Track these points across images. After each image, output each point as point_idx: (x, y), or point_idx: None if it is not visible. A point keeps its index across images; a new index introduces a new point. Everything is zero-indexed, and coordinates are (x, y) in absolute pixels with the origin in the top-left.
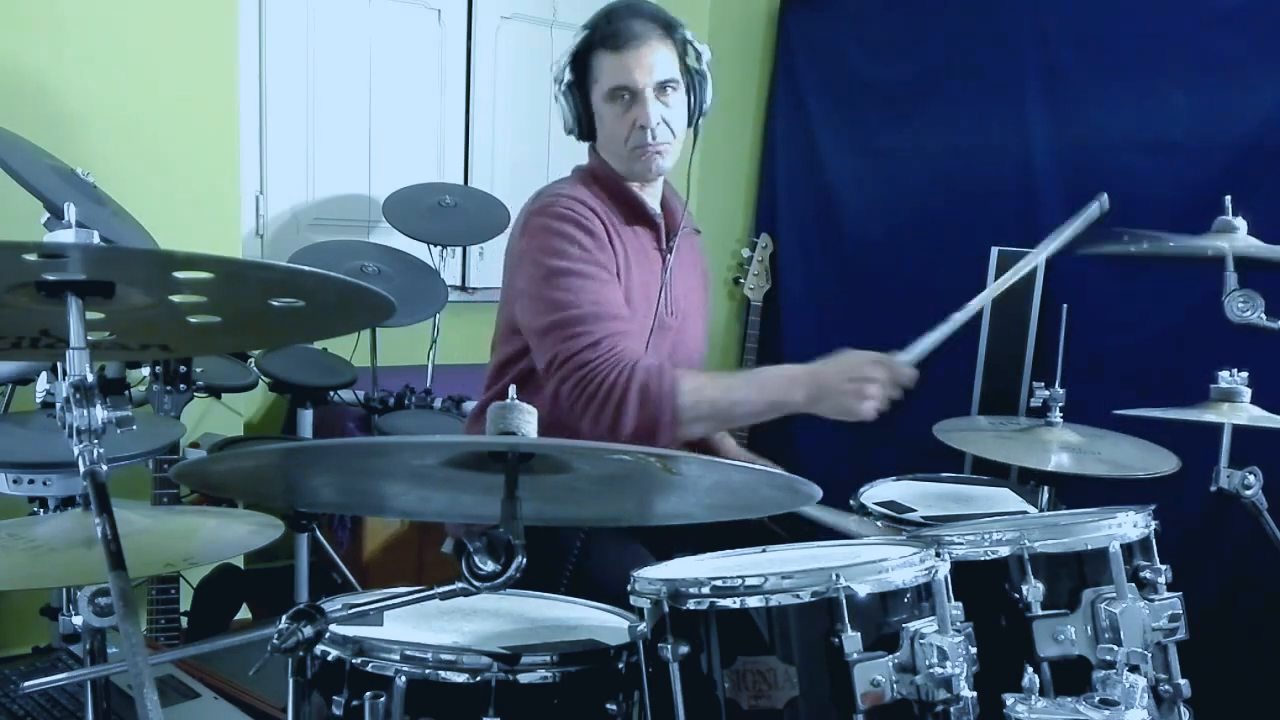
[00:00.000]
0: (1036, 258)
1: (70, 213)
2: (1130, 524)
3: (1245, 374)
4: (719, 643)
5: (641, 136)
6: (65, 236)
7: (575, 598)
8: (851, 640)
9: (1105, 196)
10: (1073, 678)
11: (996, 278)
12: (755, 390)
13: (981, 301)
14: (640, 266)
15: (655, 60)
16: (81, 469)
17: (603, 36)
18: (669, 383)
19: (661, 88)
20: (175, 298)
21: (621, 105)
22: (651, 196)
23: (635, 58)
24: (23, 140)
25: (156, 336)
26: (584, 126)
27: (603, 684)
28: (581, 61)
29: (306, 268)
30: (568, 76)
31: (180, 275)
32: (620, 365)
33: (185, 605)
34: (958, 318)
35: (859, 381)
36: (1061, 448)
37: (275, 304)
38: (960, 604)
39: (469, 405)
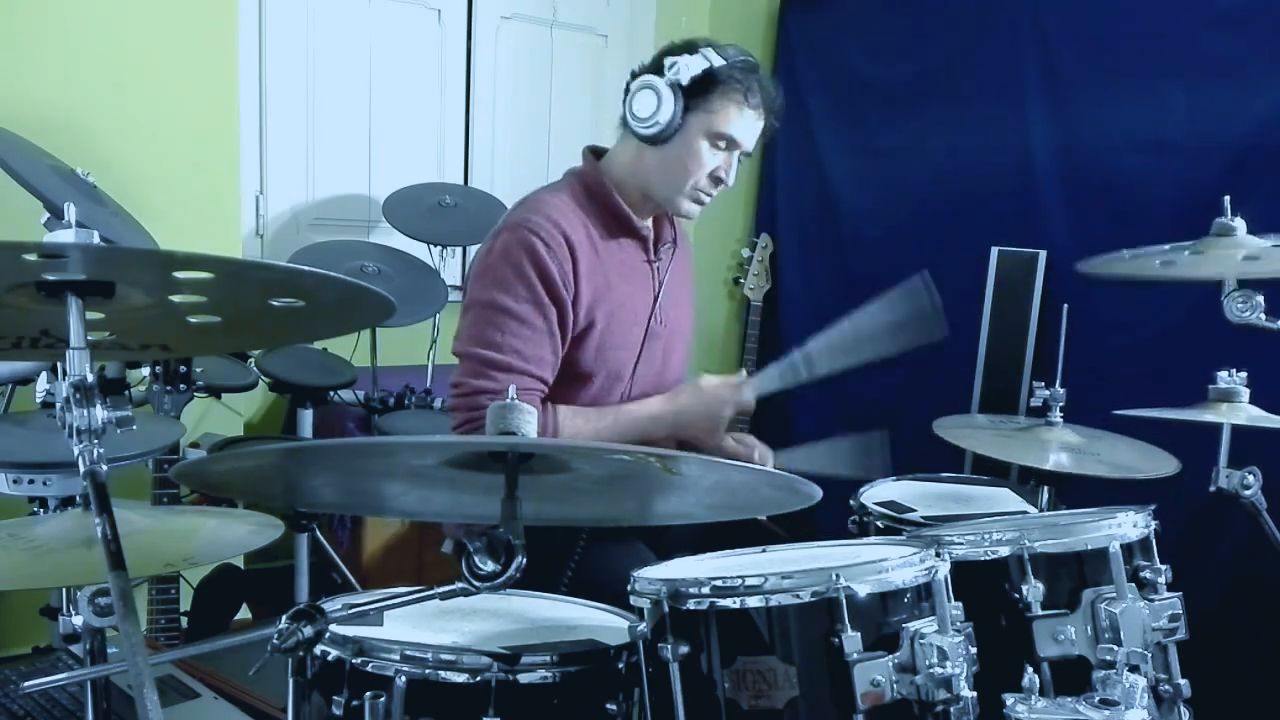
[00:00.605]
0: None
1: (70, 213)
2: (1130, 524)
3: (1244, 374)
4: (719, 643)
5: (709, 186)
6: (65, 236)
7: (576, 598)
8: (851, 640)
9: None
10: (1073, 678)
11: (996, 278)
12: (622, 431)
13: (829, 341)
14: (626, 279)
15: (758, 133)
16: (81, 469)
17: (740, 82)
18: (550, 433)
19: (745, 154)
20: (175, 298)
21: (715, 150)
22: (641, 212)
23: (754, 122)
24: (23, 140)
25: (156, 336)
26: (665, 132)
27: (603, 684)
28: (708, 83)
29: (306, 268)
30: (688, 82)
31: (180, 275)
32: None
33: (185, 605)
34: (797, 356)
35: (713, 418)
36: (1061, 447)
37: (275, 304)
38: (960, 604)
39: None
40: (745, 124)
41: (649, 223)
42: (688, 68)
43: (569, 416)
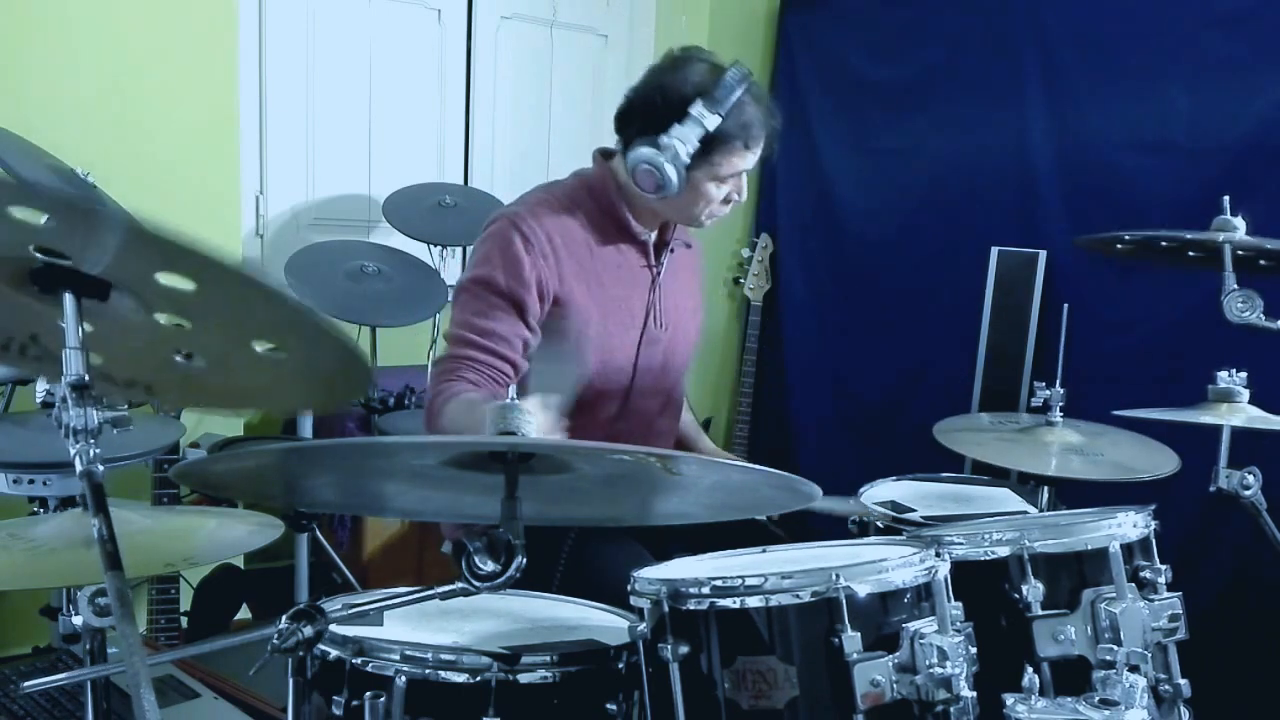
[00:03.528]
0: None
1: None
2: (1130, 524)
3: (1244, 374)
4: (719, 643)
5: (723, 209)
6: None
7: (571, 597)
8: (851, 640)
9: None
10: (1073, 678)
11: (996, 277)
12: (471, 424)
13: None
14: (622, 281)
15: (761, 151)
16: (78, 469)
17: (739, 136)
18: (438, 409)
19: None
20: (160, 317)
21: (726, 186)
22: (645, 219)
23: (756, 153)
24: (23, 140)
25: (143, 373)
26: (678, 188)
27: (603, 684)
28: (707, 146)
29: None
30: (687, 158)
31: (165, 276)
32: (445, 391)
33: (185, 605)
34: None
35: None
36: (1062, 447)
37: (259, 349)
38: (960, 604)
39: None
40: (747, 161)
41: (651, 227)
42: (684, 143)
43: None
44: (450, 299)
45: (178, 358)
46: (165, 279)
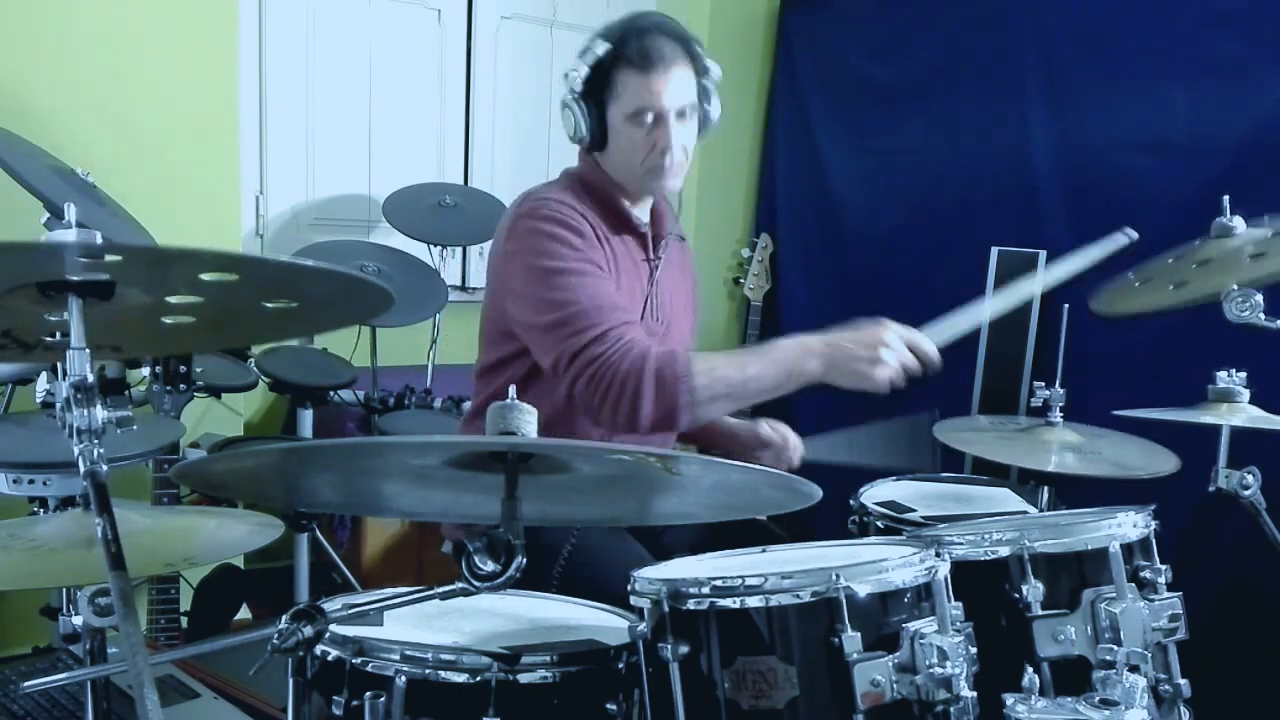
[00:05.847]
0: (1058, 273)
1: (70, 213)
2: (1130, 524)
3: (1244, 374)
4: (719, 643)
5: (659, 159)
6: (66, 236)
7: (571, 597)
8: (851, 640)
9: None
10: (1073, 678)
11: (996, 278)
12: (769, 364)
13: (1006, 302)
14: (626, 274)
15: (680, 84)
16: (82, 469)
17: (630, 54)
18: (683, 366)
19: (682, 112)
20: (172, 299)
21: (643, 127)
22: (640, 207)
23: (662, 81)
24: (23, 140)
25: (110, 338)
26: (596, 138)
27: (603, 684)
28: (603, 73)
29: (340, 267)
30: (582, 87)
31: (207, 278)
32: (631, 354)
33: (185, 605)
34: (986, 310)
35: (875, 348)
36: (1062, 447)
37: (268, 305)
38: (960, 604)
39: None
40: (651, 90)
41: (647, 218)
42: (578, 74)
43: (704, 357)
44: (518, 301)
45: (166, 320)
46: (209, 277)
